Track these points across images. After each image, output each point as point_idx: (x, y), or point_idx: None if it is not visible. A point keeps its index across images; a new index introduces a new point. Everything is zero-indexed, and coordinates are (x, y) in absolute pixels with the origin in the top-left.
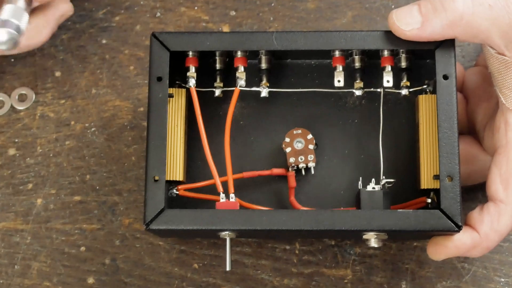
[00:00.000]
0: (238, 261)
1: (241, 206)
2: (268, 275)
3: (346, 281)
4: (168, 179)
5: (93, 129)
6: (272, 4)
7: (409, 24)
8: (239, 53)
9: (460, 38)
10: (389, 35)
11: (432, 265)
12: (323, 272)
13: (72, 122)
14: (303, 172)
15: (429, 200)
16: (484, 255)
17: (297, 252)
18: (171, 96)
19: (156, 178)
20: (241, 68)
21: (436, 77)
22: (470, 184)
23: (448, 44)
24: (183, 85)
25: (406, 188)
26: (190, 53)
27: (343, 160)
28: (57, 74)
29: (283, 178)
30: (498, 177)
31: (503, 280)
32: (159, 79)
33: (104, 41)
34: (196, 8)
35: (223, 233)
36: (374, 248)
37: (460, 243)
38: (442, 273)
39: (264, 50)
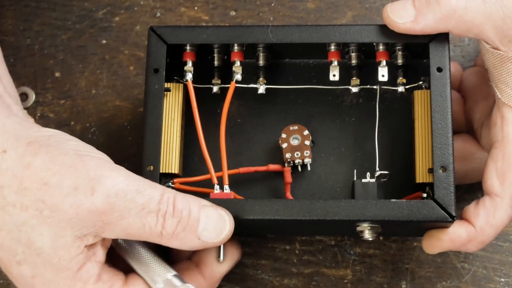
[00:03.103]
0: (238, 261)
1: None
2: (268, 275)
3: (346, 281)
4: (164, 171)
5: (93, 129)
6: (272, 4)
7: (402, 17)
8: (235, 47)
9: (454, 32)
10: (384, 29)
11: (432, 265)
12: (323, 272)
13: (72, 122)
14: (300, 169)
15: (424, 195)
16: (484, 255)
17: (297, 252)
18: (168, 90)
19: (151, 168)
20: (238, 63)
21: (430, 70)
22: (468, 183)
23: (442, 37)
24: (181, 80)
25: (402, 184)
26: (188, 47)
27: (340, 157)
28: (57, 74)
29: (280, 174)
30: (494, 171)
31: (503, 280)
32: (156, 70)
33: (104, 41)
34: (196, 8)
35: None
36: (373, 247)
37: (455, 236)
38: (442, 273)
39: (260, 43)
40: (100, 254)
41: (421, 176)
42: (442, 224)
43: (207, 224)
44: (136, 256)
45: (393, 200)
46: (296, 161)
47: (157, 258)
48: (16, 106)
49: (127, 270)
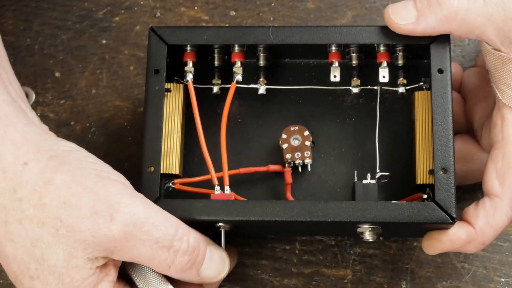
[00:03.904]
0: (238, 261)
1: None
2: (268, 275)
3: (346, 281)
4: (164, 172)
5: (93, 129)
6: (272, 4)
7: (404, 18)
8: (236, 48)
9: (455, 34)
10: (385, 30)
11: (432, 265)
12: (323, 272)
13: (72, 122)
14: (300, 170)
15: (425, 196)
16: (484, 255)
17: (297, 252)
18: (168, 90)
19: (151, 169)
20: (238, 63)
21: (431, 71)
22: (468, 183)
23: (443, 38)
24: (181, 81)
25: (402, 185)
26: (188, 47)
27: (340, 158)
28: (57, 74)
29: (280, 175)
30: (494, 172)
31: (503, 280)
32: (156, 71)
33: (104, 41)
34: (196, 8)
35: (218, 224)
36: (373, 247)
37: (455, 237)
38: (442, 273)
39: (261, 44)
40: (113, 273)
41: (421, 177)
42: (442, 225)
43: (209, 263)
44: (137, 270)
45: (394, 202)
46: (297, 162)
47: (157, 273)
48: (31, 113)
49: (129, 281)
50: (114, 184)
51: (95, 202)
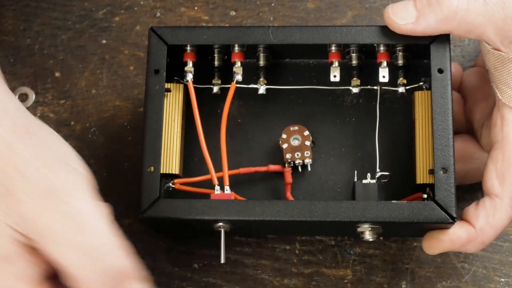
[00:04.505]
0: (238, 261)
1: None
2: (268, 275)
3: (346, 281)
4: (164, 171)
5: (93, 129)
6: (272, 4)
7: (404, 18)
8: (236, 48)
9: (455, 33)
10: (385, 30)
11: (432, 265)
12: (323, 272)
13: (72, 122)
14: (300, 169)
15: (425, 196)
16: (484, 255)
17: (297, 252)
18: (168, 90)
19: (151, 168)
20: (238, 63)
21: (431, 71)
22: (468, 183)
23: (443, 38)
24: (181, 81)
25: (402, 185)
26: (188, 47)
27: (340, 158)
28: (57, 74)
29: (280, 174)
30: (494, 172)
31: (503, 280)
32: (156, 71)
33: (104, 41)
34: (196, 8)
35: (218, 224)
36: (373, 247)
37: (455, 237)
38: (442, 273)
39: (261, 44)
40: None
41: (421, 177)
42: (442, 225)
43: None
44: None
45: (394, 201)
46: (297, 162)
47: None
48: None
49: None
50: (75, 174)
51: (50, 182)
